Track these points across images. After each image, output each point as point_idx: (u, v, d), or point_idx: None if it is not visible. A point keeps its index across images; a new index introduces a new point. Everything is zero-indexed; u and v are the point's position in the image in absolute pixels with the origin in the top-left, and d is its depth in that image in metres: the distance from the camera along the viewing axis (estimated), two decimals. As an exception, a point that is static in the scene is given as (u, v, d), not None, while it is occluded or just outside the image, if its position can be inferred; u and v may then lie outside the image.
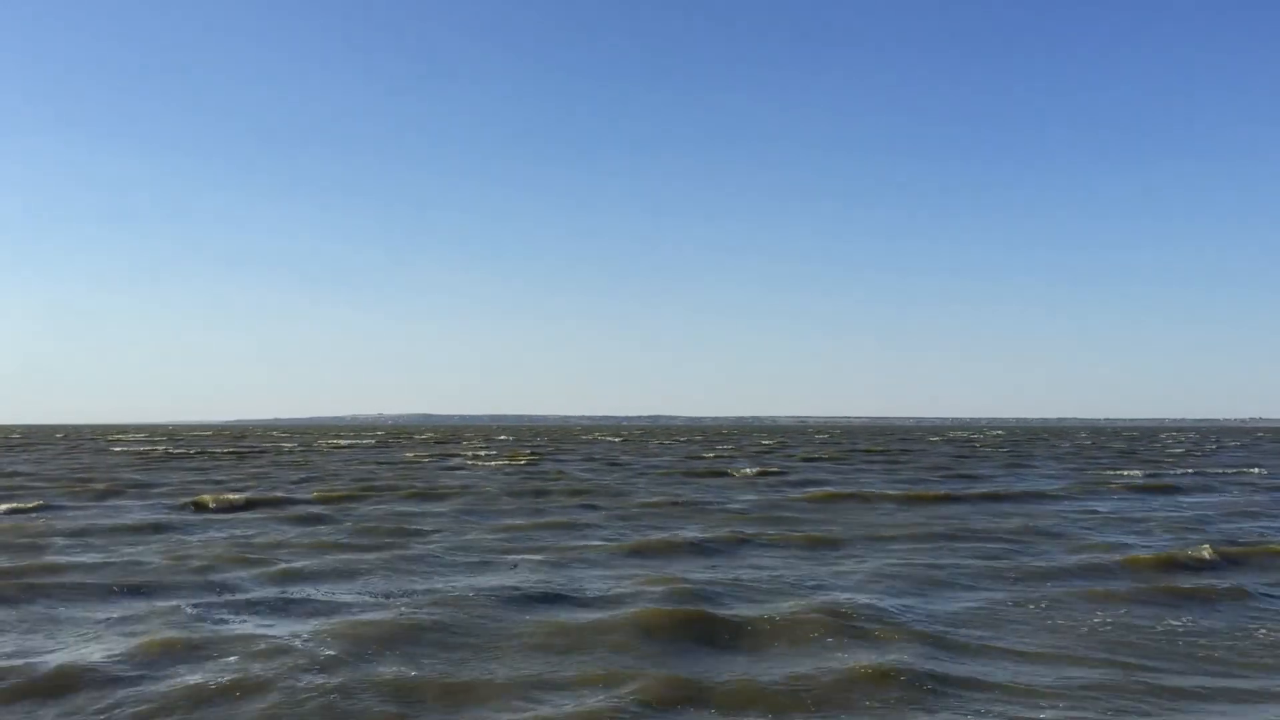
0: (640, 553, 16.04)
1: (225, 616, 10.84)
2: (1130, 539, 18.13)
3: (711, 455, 57.21)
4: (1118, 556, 15.50)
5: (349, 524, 20.03)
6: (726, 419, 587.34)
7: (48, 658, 8.95)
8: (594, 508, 23.43)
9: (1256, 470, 41.43)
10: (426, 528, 19.31)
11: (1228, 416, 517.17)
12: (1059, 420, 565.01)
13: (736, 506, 24.04)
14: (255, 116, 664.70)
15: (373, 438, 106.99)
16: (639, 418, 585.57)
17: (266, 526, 19.62)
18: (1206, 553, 15.45)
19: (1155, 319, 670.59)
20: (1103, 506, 24.89)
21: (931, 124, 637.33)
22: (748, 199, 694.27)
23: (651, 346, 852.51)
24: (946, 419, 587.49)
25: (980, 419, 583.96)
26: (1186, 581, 13.34)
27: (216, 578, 13.41)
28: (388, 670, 8.60)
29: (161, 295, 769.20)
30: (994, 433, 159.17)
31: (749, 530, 18.85)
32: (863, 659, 9.00)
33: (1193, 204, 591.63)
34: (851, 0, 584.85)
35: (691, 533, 18.40)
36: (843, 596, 11.86)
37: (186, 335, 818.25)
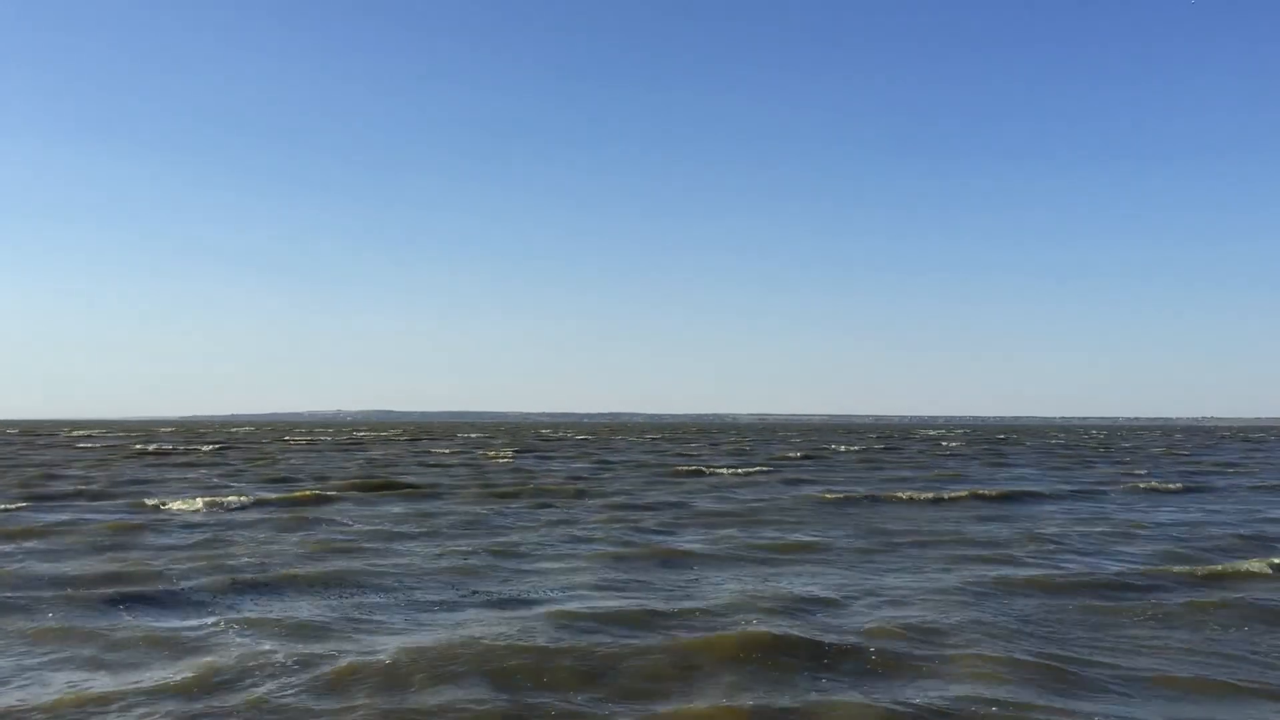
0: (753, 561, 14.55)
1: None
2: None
3: (730, 451, 55.88)
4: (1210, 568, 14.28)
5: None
6: (686, 416, 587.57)
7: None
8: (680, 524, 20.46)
9: None
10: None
11: (1179, 416, 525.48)
12: (1015, 419, 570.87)
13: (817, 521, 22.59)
14: (209, 108, 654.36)
15: (365, 433, 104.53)
16: (600, 415, 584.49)
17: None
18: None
19: (1105, 318, 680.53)
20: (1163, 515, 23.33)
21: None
22: (706, 196, 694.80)
23: (611, 344, 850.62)
24: (906, 416, 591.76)
25: (938, 416, 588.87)
26: None
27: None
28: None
29: (111, 290, 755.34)
30: (956, 431, 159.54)
31: (817, 538, 17.53)
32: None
33: (1128, 204, 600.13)
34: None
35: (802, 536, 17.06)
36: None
37: (138, 331, 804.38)
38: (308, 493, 26.20)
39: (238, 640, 9.48)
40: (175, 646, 9.32)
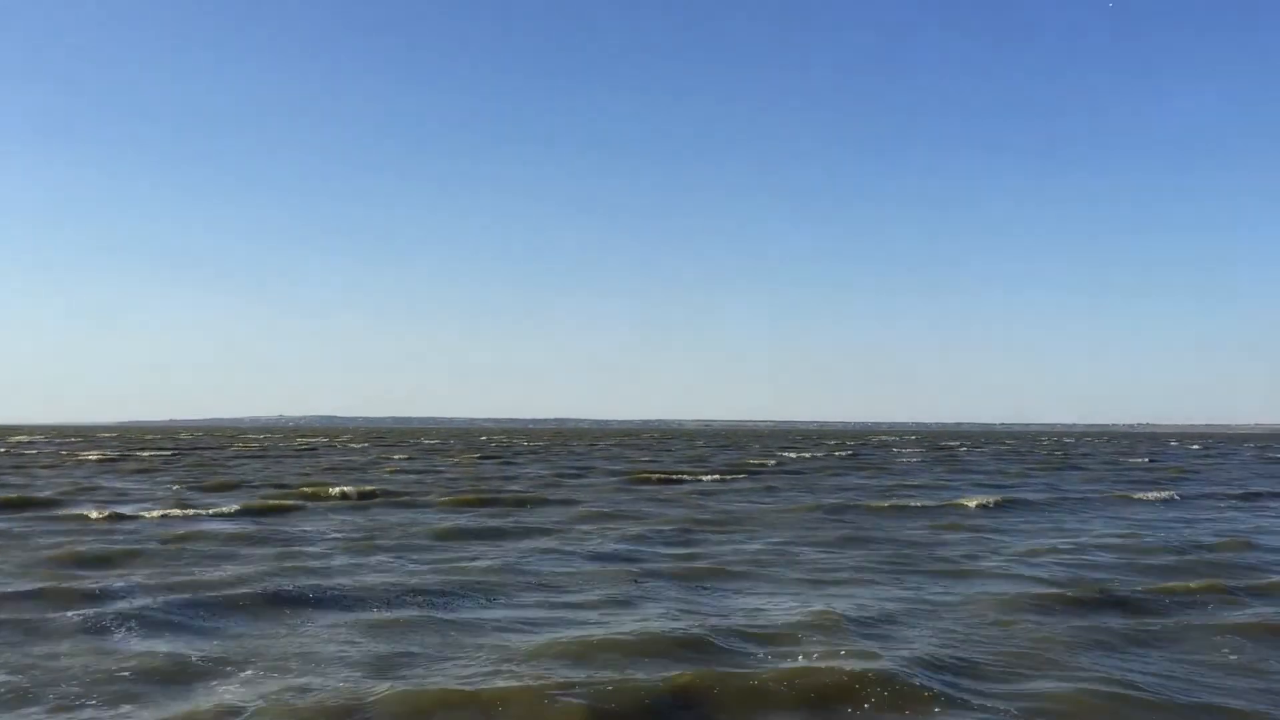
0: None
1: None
2: None
3: (752, 459, 55.85)
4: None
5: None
6: (632, 421, 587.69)
7: None
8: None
9: None
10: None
11: (1115, 421, 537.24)
12: (940, 425, 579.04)
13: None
14: (148, 106, 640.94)
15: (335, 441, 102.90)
16: (546, 420, 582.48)
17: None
18: None
19: (1026, 322, 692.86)
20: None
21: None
22: (647, 200, 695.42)
23: (556, 350, 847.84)
24: (836, 423, 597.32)
25: (866, 423, 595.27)
26: None
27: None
28: None
29: (45, 293, 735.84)
30: (909, 438, 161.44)
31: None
32: None
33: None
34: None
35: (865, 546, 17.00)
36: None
37: (72, 334, 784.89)
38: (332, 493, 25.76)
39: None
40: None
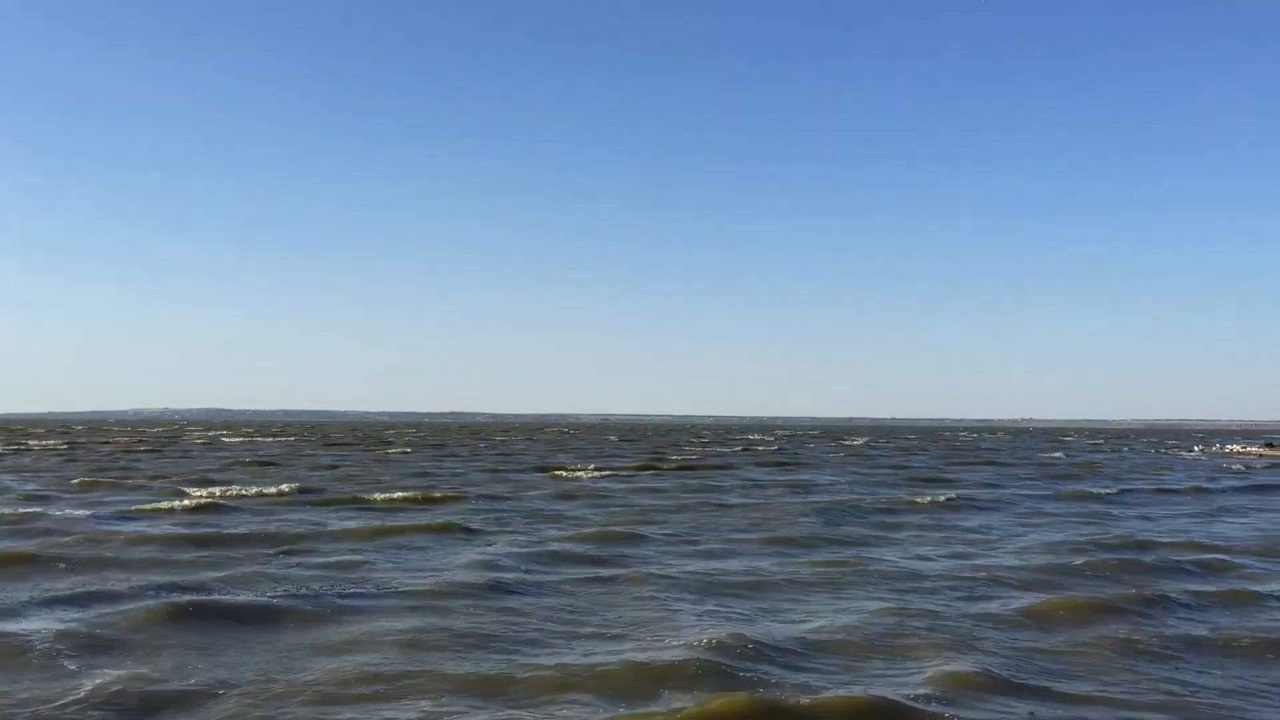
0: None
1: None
2: None
3: (609, 453, 58.63)
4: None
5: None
6: (527, 416, 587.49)
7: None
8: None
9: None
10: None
11: (999, 417, 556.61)
12: (831, 420, 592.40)
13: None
14: (21, 90, 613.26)
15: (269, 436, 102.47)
16: (441, 414, 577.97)
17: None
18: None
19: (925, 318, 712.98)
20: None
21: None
22: (550, 195, 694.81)
23: (450, 343, 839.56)
24: (743, 417, 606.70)
25: (762, 417, 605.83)
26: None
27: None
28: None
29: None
30: (780, 433, 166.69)
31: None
32: None
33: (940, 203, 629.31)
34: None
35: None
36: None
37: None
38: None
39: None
40: None
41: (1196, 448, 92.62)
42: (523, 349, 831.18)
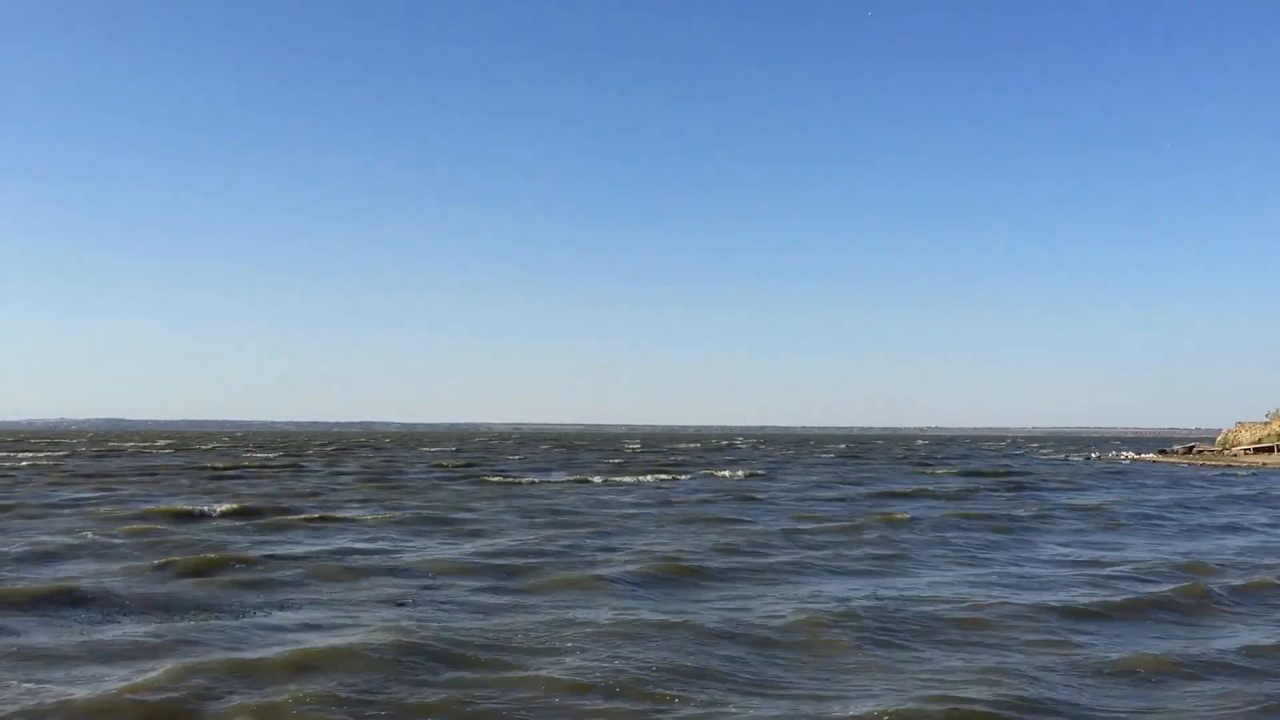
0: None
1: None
2: None
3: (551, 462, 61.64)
4: None
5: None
6: (439, 425, 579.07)
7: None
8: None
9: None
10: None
11: (943, 425, 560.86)
12: (787, 429, 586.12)
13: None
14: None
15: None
16: (351, 424, 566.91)
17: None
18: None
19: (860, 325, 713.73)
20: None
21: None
22: (440, 199, 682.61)
23: (361, 352, 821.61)
24: (662, 426, 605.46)
25: (708, 425, 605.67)
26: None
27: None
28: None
29: None
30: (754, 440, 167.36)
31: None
32: None
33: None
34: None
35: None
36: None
37: None
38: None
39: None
40: None
41: (1094, 454, 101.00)
42: (425, 358, 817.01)
